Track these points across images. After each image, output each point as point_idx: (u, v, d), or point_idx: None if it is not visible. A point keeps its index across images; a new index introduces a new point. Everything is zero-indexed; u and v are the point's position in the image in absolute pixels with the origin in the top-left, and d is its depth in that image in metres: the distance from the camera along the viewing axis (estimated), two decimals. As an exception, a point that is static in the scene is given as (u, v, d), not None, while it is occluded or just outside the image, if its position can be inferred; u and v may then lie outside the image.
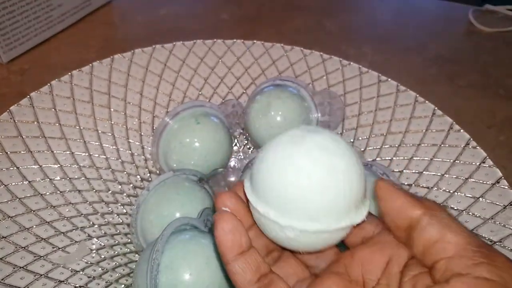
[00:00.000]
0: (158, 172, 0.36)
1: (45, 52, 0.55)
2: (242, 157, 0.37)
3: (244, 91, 0.41)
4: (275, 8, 0.70)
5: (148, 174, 0.36)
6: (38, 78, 0.51)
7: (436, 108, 0.35)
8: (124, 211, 0.33)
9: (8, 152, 0.31)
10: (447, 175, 0.32)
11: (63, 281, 0.26)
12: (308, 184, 0.18)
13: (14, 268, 0.26)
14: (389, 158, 0.35)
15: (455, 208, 0.30)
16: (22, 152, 0.32)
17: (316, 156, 0.18)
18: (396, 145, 0.35)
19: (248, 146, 0.40)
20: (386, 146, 0.36)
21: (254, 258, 0.19)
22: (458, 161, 0.32)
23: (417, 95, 0.37)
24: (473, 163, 0.32)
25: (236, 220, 0.19)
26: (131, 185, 0.35)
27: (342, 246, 0.21)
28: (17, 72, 0.51)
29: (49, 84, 0.36)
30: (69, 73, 0.37)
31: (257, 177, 0.20)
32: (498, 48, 0.61)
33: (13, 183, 0.30)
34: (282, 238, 0.19)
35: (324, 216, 0.18)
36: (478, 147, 0.33)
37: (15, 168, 0.31)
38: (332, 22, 0.65)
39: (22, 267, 0.26)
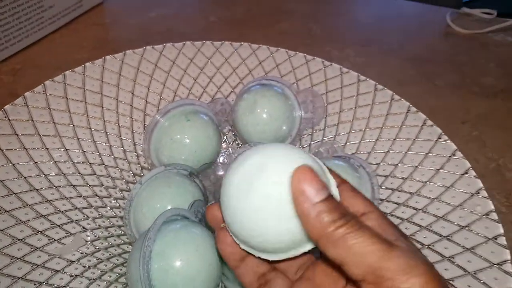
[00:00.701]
0: (149, 167, 0.37)
1: (36, 52, 0.57)
2: (231, 152, 0.39)
3: (232, 90, 0.43)
4: (262, 11, 0.72)
5: (140, 170, 0.38)
6: (30, 78, 0.52)
7: (410, 105, 0.38)
8: (117, 204, 0.34)
9: (4, 150, 0.32)
10: (420, 167, 0.34)
11: (59, 270, 0.28)
12: (246, 216, 0.19)
13: (11, 259, 0.27)
14: (367, 151, 0.37)
15: (428, 196, 0.33)
16: (17, 149, 0.33)
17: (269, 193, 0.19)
18: (374, 140, 0.37)
19: (236, 142, 0.42)
20: (365, 141, 0.38)
21: (252, 262, 0.22)
22: (430, 154, 0.35)
23: (393, 93, 0.39)
24: (444, 155, 0.34)
25: None
26: (124, 180, 0.36)
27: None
28: (9, 72, 0.52)
29: (42, 84, 0.37)
30: (62, 74, 0.38)
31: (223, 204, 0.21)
32: (474, 49, 0.64)
33: (9, 179, 0.31)
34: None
35: (251, 246, 0.20)
36: (449, 141, 0.35)
37: (10, 164, 0.32)
38: (317, 25, 0.67)
39: (19, 258, 0.27)
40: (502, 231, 0.29)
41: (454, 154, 0.34)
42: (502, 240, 0.28)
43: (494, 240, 0.28)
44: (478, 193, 0.31)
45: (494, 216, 0.30)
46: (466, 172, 0.33)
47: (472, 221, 0.30)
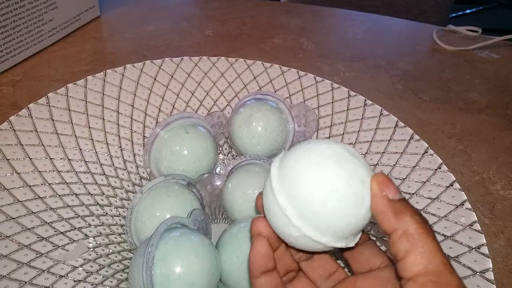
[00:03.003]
0: (149, 177, 0.39)
1: (36, 64, 0.58)
2: (226, 163, 0.41)
3: (228, 104, 0.45)
4: (256, 26, 0.74)
5: (139, 180, 0.39)
6: (30, 90, 0.53)
7: (398, 120, 0.40)
8: (118, 213, 0.36)
9: (9, 159, 0.33)
10: (407, 179, 0.36)
11: (64, 275, 0.29)
12: (334, 206, 0.20)
13: (18, 264, 0.28)
14: (358, 164, 0.39)
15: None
16: (22, 159, 0.34)
17: (352, 183, 0.20)
18: (364, 153, 0.39)
19: (232, 154, 0.44)
20: (355, 154, 0.40)
21: (275, 277, 0.23)
22: (417, 167, 0.37)
23: (382, 109, 0.41)
24: (431, 169, 0.36)
25: (269, 246, 0.23)
26: (124, 189, 0.38)
27: (347, 265, 0.25)
28: (9, 83, 0.54)
29: (46, 96, 0.38)
30: (65, 86, 0.39)
31: (289, 172, 0.21)
32: (459, 65, 0.66)
33: (15, 187, 0.32)
34: (284, 231, 0.22)
35: (330, 234, 0.21)
36: (435, 155, 0.37)
37: (15, 173, 0.33)
38: (309, 40, 0.70)
39: (26, 263, 0.28)
40: (484, 241, 0.31)
41: (440, 168, 0.36)
42: (485, 250, 0.30)
43: (477, 250, 0.30)
44: (463, 204, 0.33)
45: (477, 227, 0.31)
46: (451, 185, 0.35)
47: (456, 232, 0.32)
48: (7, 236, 0.29)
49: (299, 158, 0.21)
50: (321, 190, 0.20)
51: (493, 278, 0.28)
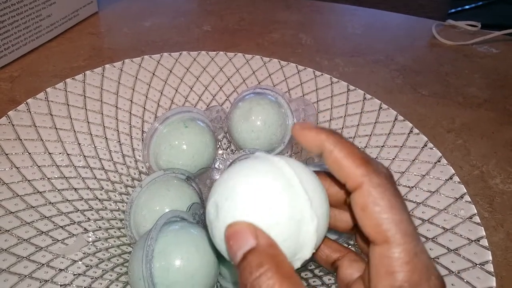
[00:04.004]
0: (148, 172, 0.39)
1: (34, 60, 0.58)
2: (226, 158, 0.41)
3: (227, 98, 0.45)
4: (255, 21, 0.74)
5: (139, 175, 0.39)
6: (28, 85, 0.53)
7: (398, 114, 0.40)
8: (117, 207, 0.36)
9: (8, 154, 0.33)
10: (407, 173, 0.36)
11: (63, 269, 0.29)
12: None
13: (18, 258, 0.28)
14: (357, 158, 0.39)
15: (414, 201, 0.34)
16: (20, 153, 0.34)
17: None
18: (363, 147, 0.39)
19: (231, 148, 0.44)
20: (354, 148, 0.40)
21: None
22: (417, 160, 0.37)
23: (382, 103, 0.41)
24: (430, 162, 0.36)
25: None
26: (123, 184, 0.37)
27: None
28: (7, 79, 0.53)
29: (44, 91, 0.38)
30: (63, 81, 0.39)
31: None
32: (458, 60, 0.66)
33: (14, 182, 0.32)
34: None
35: None
36: (434, 148, 0.37)
37: (14, 168, 0.33)
38: (308, 35, 0.70)
39: (25, 257, 0.28)
40: (484, 233, 0.31)
41: (439, 161, 0.36)
42: (484, 242, 0.30)
43: (477, 242, 0.30)
44: (462, 197, 0.33)
45: (477, 219, 0.32)
46: (451, 178, 0.35)
47: (456, 224, 0.32)
48: (6, 230, 0.29)
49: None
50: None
51: (492, 270, 0.28)
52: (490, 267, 0.28)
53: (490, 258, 0.29)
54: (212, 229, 0.19)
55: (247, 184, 0.18)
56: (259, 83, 0.45)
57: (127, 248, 0.33)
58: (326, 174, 0.22)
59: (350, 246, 0.33)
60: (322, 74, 0.44)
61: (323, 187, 0.20)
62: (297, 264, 0.19)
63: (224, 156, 0.43)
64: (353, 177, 0.18)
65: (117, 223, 0.35)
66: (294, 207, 0.18)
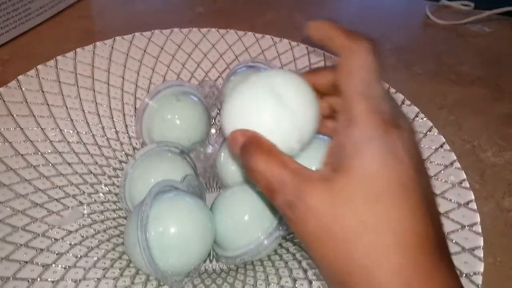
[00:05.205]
0: (141, 147, 0.39)
1: (24, 44, 0.57)
2: (220, 133, 0.41)
3: (220, 75, 0.45)
4: (248, 3, 0.73)
5: (132, 150, 0.39)
6: (19, 69, 0.52)
7: (389, 86, 0.40)
8: (112, 182, 0.36)
9: (0, 129, 0.33)
10: (398, 142, 0.37)
11: (59, 239, 0.29)
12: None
13: (13, 228, 0.28)
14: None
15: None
16: (13, 129, 0.34)
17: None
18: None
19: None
20: (347, 121, 0.40)
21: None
22: (408, 131, 0.37)
23: (374, 76, 0.41)
24: (421, 132, 0.37)
25: None
26: (117, 159, 0.38)
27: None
28: (-2, 62, 0.53)
29: (35, 68, 0.38)
30: (54, 58, 0.39)
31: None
32: (452, 39, 0.66)
33: (7, 156, 0.32)
34: None
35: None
36: (425, 118, 0.37)
37: (7, 143, 0.33)
38: (302, 15, 0.69)
39: (21, 227, 0.28)
40: (473, 197, 0.31)
41: (430, 131, 0.36)
42: (473, 205, 0.31)
43: (466, 205, 0.31)
44: (452, 164, 0.34)
45: (466, 184, 0.32)
46: (441, 146, 0.35)
47: (445, 190, 0.32)
48: (1, 202, 0.29)
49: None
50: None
51: (480, 231, 0.29)
52: (478, 228, 0.29)
53: (478, 220, 0.30)
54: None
55: (241, 99, 0.22)
56: (252, 59, 0.45)
57: (122, 221, 0.34)
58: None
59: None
60: (314, 50, 0.44)
61: (310, 91, 0.23)
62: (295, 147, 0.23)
63: (218, 132, 0.43)
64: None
65: (112, 197, 0.35)
66: (275, 111, 0.22)
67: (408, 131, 0.19)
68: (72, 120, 0.37)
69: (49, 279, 0.26)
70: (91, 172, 0.35)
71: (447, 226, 0.30)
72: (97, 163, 0.36)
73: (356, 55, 0.20)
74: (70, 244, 0.29)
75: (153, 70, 0.43)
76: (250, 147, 0.21)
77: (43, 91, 0.37)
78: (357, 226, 0.17)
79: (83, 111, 0.38)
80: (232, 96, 0.23)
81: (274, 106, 0.21)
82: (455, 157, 0.34)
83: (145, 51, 0.43)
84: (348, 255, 0.17)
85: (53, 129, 0.36)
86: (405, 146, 0.18)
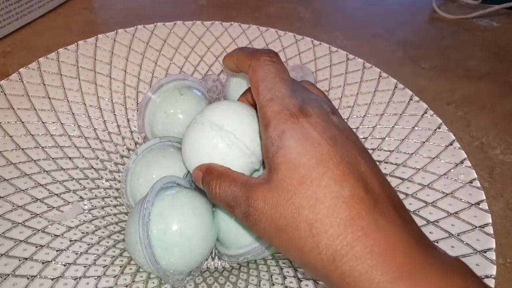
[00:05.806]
0: (143, 142, 0.38)
1: (26, 35, 0.56)
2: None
3: (223, 69, 0.44)
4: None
5: (134, 145, 0.39)
6: (21, 60, 0.52)
7: (398, 82, 0.39)
8: (113, 177, 0.35)
9: (1, 122, 0.33)
10: (406, 140, 0.36)
11: (59, 235, 0.28)
12: None
13: (13, 223, 0.27)
14: (356, 126, 0.38)
15: (413, 167, 0.34)
16: (14, 122, 0.33)
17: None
18: (362, 116, 0.39)
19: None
20: (353, 117, 0.39)
21: None
22: (416, 128, 0.36)
23: (381, 71, 0.40)
24: (430, 129, 0.36)
25: None
26: (118, 154, 0.37)
27: None
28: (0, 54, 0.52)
29: (37, 60, 0.37)
30: (56, 51, 0.38)
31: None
32: (459, 33, 0.65)
33: (7, 150, 0.31)
34: None
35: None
36: (434, 115, 0.36)
37: (7, 136, 0.32)
38: (306, 9, 0.68)
39: (21, 223, 0.28)
40: (484, 197, 0.30)
41: (439, 128, 0.36)
42: (484, 206, 0.30)
43: (477, 206, 0.30)
44: (462, 163, 0.33)
45: (477, 183, 0.31)
46: (451, 144, 0.34)
47: (456, 189, 0.31)
48: (1, 197, 0.28)
49: None
50: None
51: (492, 233, 0.28)
52: (490, 230, 0.28)
53: (490, 220, 0.29)
54: None
55: (193, 142, 0.26)
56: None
57: (124, 217, 0.33)
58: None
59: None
60: (320, 44, 0.43)
61: (247, 110, 0.27)
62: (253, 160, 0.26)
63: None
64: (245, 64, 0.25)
65: (113, 192, 0.34)
66: (220, 140, 0.25)
67: (317, 115, 0.21)
68: (73, 113, 0.36)
69: (49, 277, 0.26)
70: (92, 167, 0.34)
71: (458, 226, 0.29)
72: (98, 158, 0.35)
73: (259, 70, 0.23)
74: (70, 240, 0.28)
75: (156, 63, 0.42)
76: (205, 177, 0.24)
77: (44, 84, 0.36)
78: (293, 210, 0.19)
79: (85, 104, 0.37)
80: (185, 140, 0.26)
81: (219, 136, 0.25)
82: (465, 155, 0.33)
83: (147, 44, 0.43)
84: (297, 239, 0.19)
85: (54, 122, 0.35)
86: (318, 129, 0.20)
